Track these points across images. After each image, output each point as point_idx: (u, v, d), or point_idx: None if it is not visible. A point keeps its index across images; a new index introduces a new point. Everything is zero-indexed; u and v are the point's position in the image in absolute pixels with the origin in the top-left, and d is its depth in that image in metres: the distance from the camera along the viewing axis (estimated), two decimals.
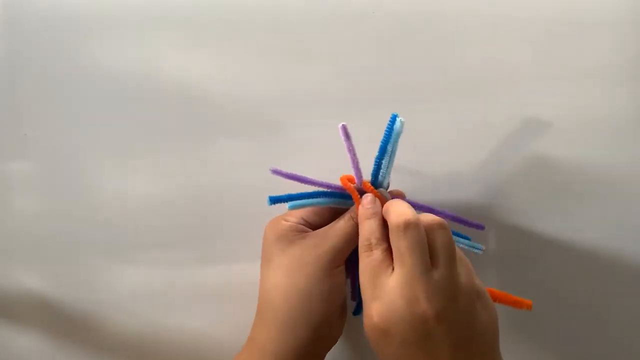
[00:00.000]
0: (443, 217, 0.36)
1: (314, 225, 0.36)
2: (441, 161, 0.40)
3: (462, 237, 0.37)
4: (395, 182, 0.37)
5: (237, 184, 0.40)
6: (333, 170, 0.37)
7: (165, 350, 0.41)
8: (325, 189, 0.35)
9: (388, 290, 0.30)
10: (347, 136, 0.33)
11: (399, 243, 0.30)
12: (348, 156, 0.34)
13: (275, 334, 0.33)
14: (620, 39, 0.40)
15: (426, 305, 0.29)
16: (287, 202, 0.34)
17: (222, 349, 0.41)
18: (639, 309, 0.40)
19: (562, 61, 0.40)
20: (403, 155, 0.36)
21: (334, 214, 0.36)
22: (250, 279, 0.36)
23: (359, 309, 0.39)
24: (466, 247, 0.36)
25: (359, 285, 0.38)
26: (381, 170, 0.35)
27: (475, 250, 0.37)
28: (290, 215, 0.35)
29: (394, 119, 0.35)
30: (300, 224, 0.35)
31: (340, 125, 0.33)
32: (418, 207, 0.37)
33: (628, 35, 0.40)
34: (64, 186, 0.41)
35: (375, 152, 0.34)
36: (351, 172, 0.35)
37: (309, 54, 0.40)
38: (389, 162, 0.35)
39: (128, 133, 0.41)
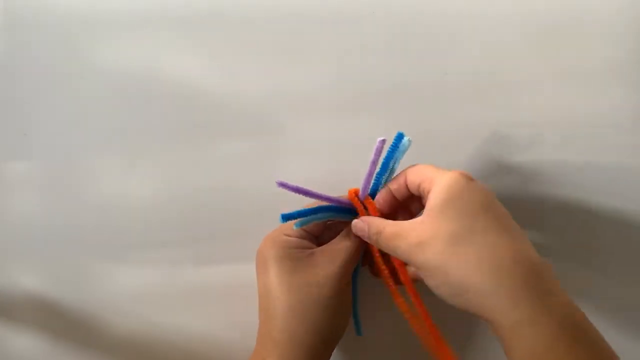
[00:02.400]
0: None
1: (312, 233, 0.36)
2: (439, 162, 0.40)
3: None
4: None
5: (236, 184, 0.40)
6: (332, 170, 0.37)
7: (165, 351, 0.41)
8: (332, 204, 0.35)
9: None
10: (380, 151, 0.34)
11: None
12: (368, 168, 0.34)
13: (289, 353, 0.33)
14: (619, 39, 0.40)
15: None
16: (297, 218, 0.34)
17: (221, 349, 0.41)
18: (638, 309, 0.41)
19: (562, 62, 0.40)
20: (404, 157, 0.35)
21: (328, 222, 0.37)
22: (250, 279, 0.36)
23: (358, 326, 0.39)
24: None
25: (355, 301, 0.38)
26: (380, 186, 0.35)
27: None
28: (288, 228, 0.36)
29: (399, 137, 0.35)
30: (300, 236, 0.35)
31: (379, 139, 0.33)
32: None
33: (628, 35, 0.40)
34: (64, 186, 0.41)
35: (373, 152, 0.34)
36: (348, 173, 0.35)
37: (309, 54, 0.40)
38: (387, 178, 0.35)
39: (128, 133, 0.41)
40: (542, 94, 0.40)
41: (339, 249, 0.35)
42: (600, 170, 0.40)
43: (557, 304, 0.28)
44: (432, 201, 0.31)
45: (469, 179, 0.31)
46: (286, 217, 0.34)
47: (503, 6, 0.40)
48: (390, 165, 0.35)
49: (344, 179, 0.36)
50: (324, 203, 0.35)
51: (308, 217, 0.35)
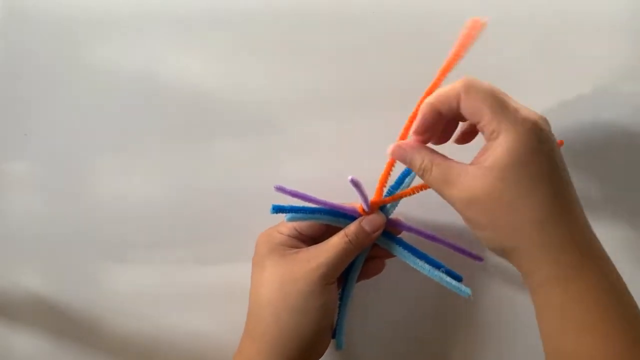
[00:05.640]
0: (442, 245, 0.36)
1: (306, 237, 0.35)
2: None
3: (453, 275, 0.35)
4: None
5: (236, 184, 0.40)
6: (333, 170, 0.37)
7: (165, 350, 0.41)
8: (332, 208, 0.35)
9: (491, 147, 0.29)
10: (357, 185, 0.32)
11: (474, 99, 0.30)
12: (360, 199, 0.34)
13: (265, 350, 0.33)
14: (620, 39, 0.40)
15: (526, 125, 0.28)
16: (289, 212, 0.33)
17: (221, 349, 0.41)
18: None
19: (563, 62, 0.40)
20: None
21: (328, 228, 0.36)
22: (249, 279, 0.36)
23: (334, 334, 0.38)
24: (453, 289, 0.34)
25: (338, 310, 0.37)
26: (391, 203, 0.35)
27: (462, 294, 0.34)
28: (283, 227, 0.35)
29: None
30: (294, 236, 0.35)
31: (349, 178, 0.32)
32: (416, 232, 0.36)
33: (628, 35, 0.40)
34: (64, 186, 0.41)
35: (374, 153, 0.34)
36: (348, 173, 0.34)
37: (309, 54, 0.40)
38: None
39: (128, 133, 0.41)
40: (543, 95, 0.40)
41: (324, 248, 0.34)
42: (601, 171, 0.40)
43: (591, 267, 0.29)
44: (495, 160, 0.28)
45: (540, 139, 0.28)
46: (277, 209, 0.33)
47: (503, 6, 0.40)
48: (407, 182, 0.35)
49: (344, 179, 0.36)
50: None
51: (302, 214, 0.34)
